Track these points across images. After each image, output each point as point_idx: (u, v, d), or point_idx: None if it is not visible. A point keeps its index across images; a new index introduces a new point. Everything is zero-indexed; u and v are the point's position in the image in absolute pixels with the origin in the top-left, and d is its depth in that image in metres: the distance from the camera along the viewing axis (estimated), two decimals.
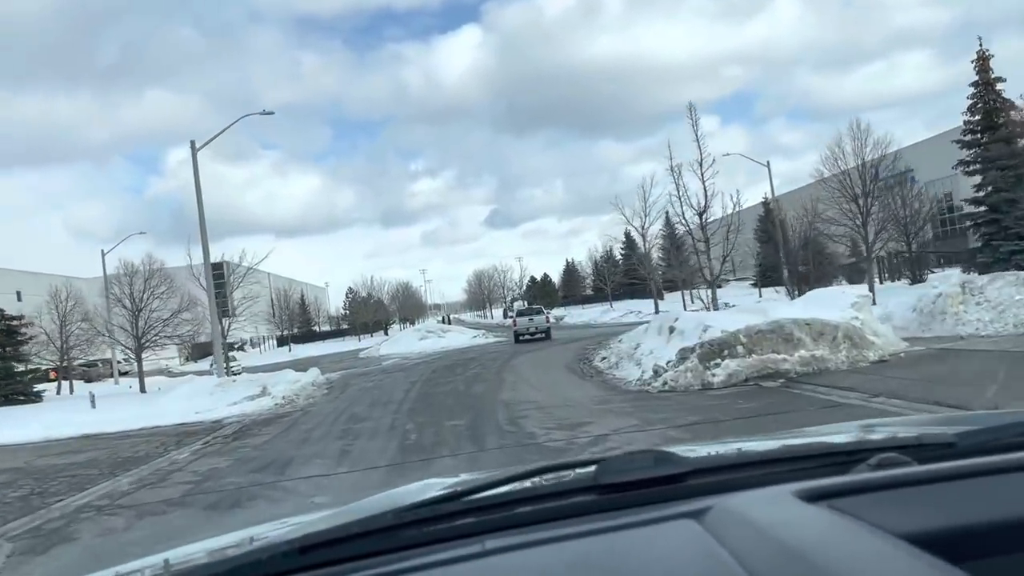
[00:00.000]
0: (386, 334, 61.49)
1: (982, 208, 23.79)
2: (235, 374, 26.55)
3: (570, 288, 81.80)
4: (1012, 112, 23.85)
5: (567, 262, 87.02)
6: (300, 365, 26.63)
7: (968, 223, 24.33)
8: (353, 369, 26.55)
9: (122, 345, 24.82)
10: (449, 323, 66.26)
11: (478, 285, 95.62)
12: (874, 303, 15.43)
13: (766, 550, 0.69)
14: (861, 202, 22.40)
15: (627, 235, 55.94)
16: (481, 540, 0.82)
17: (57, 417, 16.95)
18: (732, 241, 17.55)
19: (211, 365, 24.64)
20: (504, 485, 0.95)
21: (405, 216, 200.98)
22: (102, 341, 26.25)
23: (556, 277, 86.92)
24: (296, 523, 1.14)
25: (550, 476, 0.99)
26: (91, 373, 37.15)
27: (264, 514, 6.16)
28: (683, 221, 17.73)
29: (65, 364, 27.65)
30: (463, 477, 1.20)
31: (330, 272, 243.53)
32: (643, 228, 28.91)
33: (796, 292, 24.13)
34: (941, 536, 0.70)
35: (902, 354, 11.49)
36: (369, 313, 70.96)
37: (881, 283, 26.92)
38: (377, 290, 78.47)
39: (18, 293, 45.98)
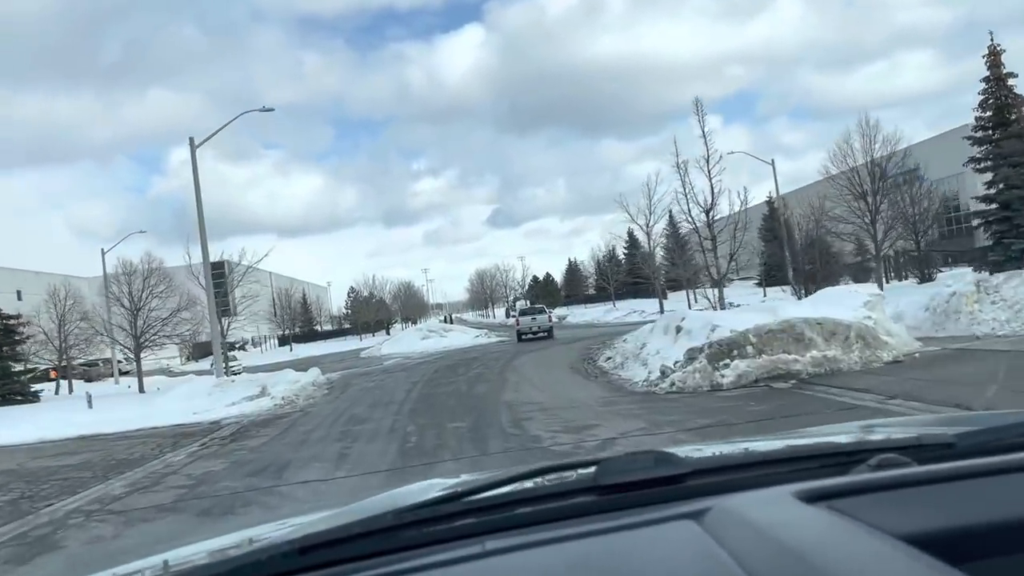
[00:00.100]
0: (388, 334, 61.25)
1: (993, 206, 23.42)
2: (235, 373, 26.32)
3: (573, 287, 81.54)
4: None
5: (569, 261, 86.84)
6: (301, 365, 26.42)
7: (979, 221, 23.95)
8: (354, 369, 26.29)
9: (121, 345, 24.59)
10: (451, 323, 66.01)
11: (480, 285, 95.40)
12: None
13: (765, 551, 0.68)
14: (870, 200, 22.04)
15: (630, 234, 55.71)
16: (481, 541, 0.82)
17: (53, 418, 16.72)
18: (739, 239, 17.26)
19: (211, 365, 24.39)
20: (504, 486, 0.95)
21: (407, 215, 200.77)
22: (101, 341, 25.99)
23: (559, 277, 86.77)
24: (296, 524, 1.12)
25: (550, 477, 0.99)
26: (91, 373, 36.95)
27: (258, 521, 5.91)
28: (690, 218, 17.42)
29: (64, 364, 27.41)
30: (463, 478, 1.18)
31: (332, 271, 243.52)
32: (648, 226, 28.65)
33: (802, 291, 23.84)
34: (941, 537, 0.70)
35: (917, 354, 11.19)
36: (371, 313, 70.71)
37: (887, 282, 26.61)
38: (379, 289, 78.29)
39: (19, 292, 45.84)
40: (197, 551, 1.11)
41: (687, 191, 17.27)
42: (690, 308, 23.41)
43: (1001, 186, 23.30)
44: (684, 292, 35.76)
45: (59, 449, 13.09)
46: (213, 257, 23.70)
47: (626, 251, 63.24)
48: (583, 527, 0.82)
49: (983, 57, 23.44)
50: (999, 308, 12.40)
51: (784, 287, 33.35)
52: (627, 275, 57.88)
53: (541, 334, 30.04)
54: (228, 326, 26.82)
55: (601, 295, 66.10)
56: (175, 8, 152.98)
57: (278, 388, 17.75)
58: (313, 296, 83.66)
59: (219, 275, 30.17)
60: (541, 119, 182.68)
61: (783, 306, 13.55)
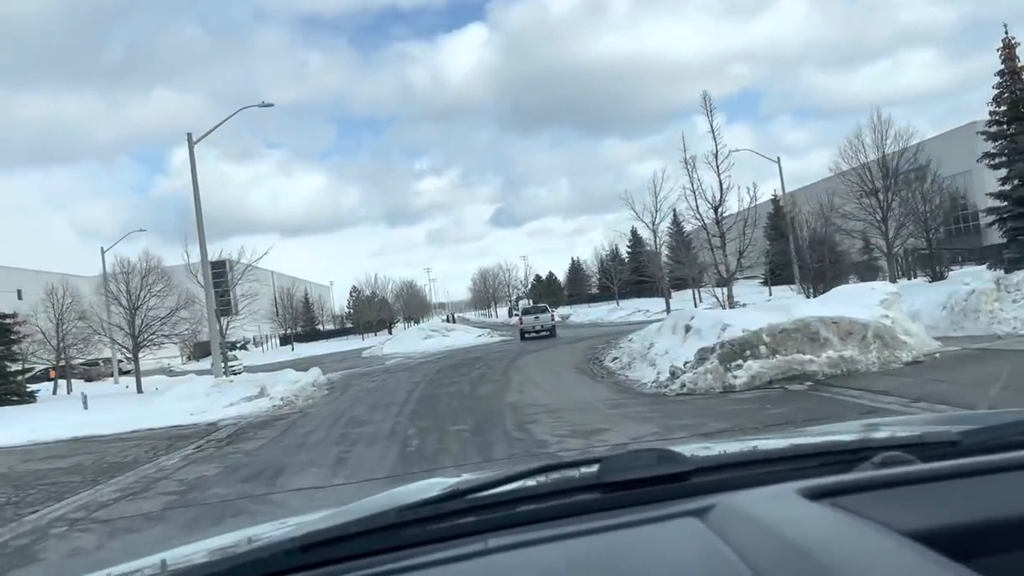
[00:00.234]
0: (390, 333, 60.89)
1: (1007, 202, 22.90)
2: (235, 373, 26.00)
3: (576, 287, 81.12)
4: None
5: (572, 260, 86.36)
6: (302, 364, 26.12)
7: (993, 217, 23.44)
8: (355, 369, 25.94)
9: (119, 344, 24.27)
10: (454, 322, 65.65)
11: (483, 284, 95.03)
12: None
13: (770, 547, 0.68)
14: (881, 196, 21.55)
15: (634, 232, 55.25)
16: (484, 539, 0.81)
17: (48, 419, 16.42)
18: (749, 236, 16.86)
19: (212, 364, 24.08)
20: (506, 484, 0.94)
21: (410, 215, 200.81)
22: (99, 340, 25.66)
23: (561, 276, 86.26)
24: (295, 523, 1.10)
25: (553, 475, 0.98)
26: (92, 372, 36.65)
27: None
28: (698, 215, 17.02)
29: (62, 363, 27.09)
30: (465, 477, 1.17)
31: (335, 271, 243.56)
32: (654, 224, 28.26)
33: (811, 290, 23.42)
34: (944, 534, 0.70)
35: (937, 355, 10.78)
36: (373, 312, 70.34)
37: (895, 281, 26.14)
38: (381, 289, 77.89)
39: (19, 291, 45.58)
40: (196, 550, 1.09)
41: (695, 187, 16.88)
42: (696, 307, 23.03)
43: (1016, 182, 22.80)
44: (689, 291, 35.36)
45: (51, 451, 12.78)
46: (213, 256, 23.40)
47: (630, 250, 62.78)
48: (586, 525, 0.81)
49: (997, 51, 22.95)
50: (1021, 306, 11.99)
51: (790, 286, 32.93)
52: (631, 274, 57.42)
53: (544, 333, 30.68)
54: (227, 325, 26.46)
55: (604, 294, 65.69)
56: (178, 8, 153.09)
57: (277, 388, 17.44)
58: (315, 295, 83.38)
59: (219, 274, 29.93)
60: (544, 118, 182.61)
61: (795, 305, 13.14)
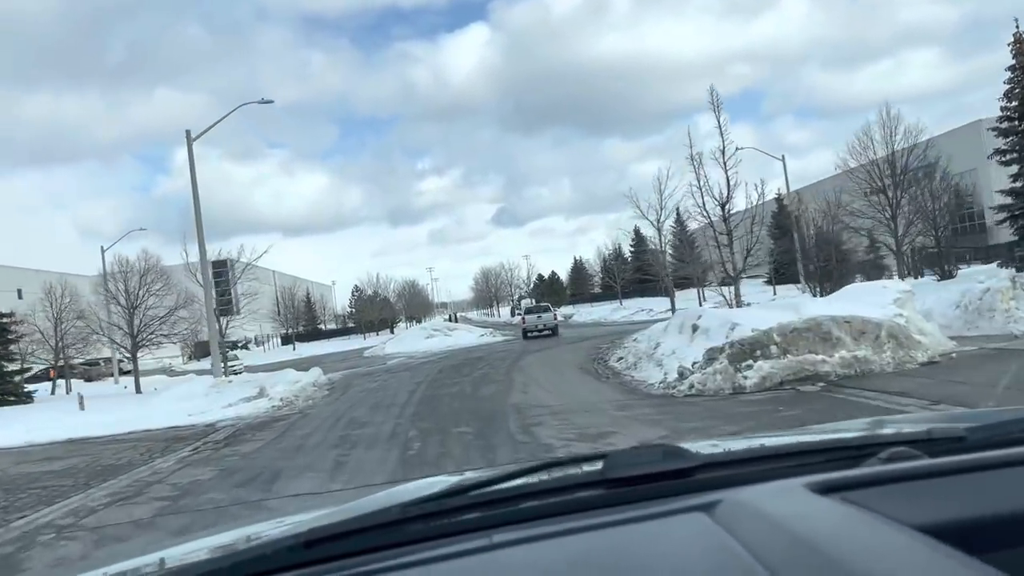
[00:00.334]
0: (392, 332, 60.60)
1: (1019, 199, 22.49)
2: (236, 373, 25.75)
3: (578, 286, 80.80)
4: None
5: (575, 260, 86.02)
6: (303, 364, 25.89)
7: (1004, 215, 23.04)
8: (356, 369, 25.66)
9: (117, 344, 24.02)
10: (456, 321, 65.37)
11: (485, 283, 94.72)
12: None
13: (779, 541, 0.68)
14: (890, 193, 21.17)
15: (637, 231, 54.85)
16: (488, 534, 0.81)
17: (44, 420, 16.19)
18: (756, 234, 16.54)
19: (211, 364, 23.82)
20: (510, 480, 0.93)
21: (412, 214, 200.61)
22: (98, 340, 25.39)
23: (564, 275, 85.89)
24: (293, 522, 1.09)
25: (557, 471, 0.97)
26: (92, 372, 36.43)
27: None
28: (704, 212, 16.71)
29: (61, 363, 26.85)
30: (469, 474, 1.15)
31: (337, 270, 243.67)
32: (659, 222, 27.96)
33: (817, 289, 23.11)
34: (952, 528, 0.70)
35: (953, 355, 10.47)
36: (375, 311, 70.04)
37: (902, 279, 25.75)
38: (383, 288, 77.58)
39: (19, 291, 45.38)
40: (196, 548, 1.08)
41: (702, 184, 16.55)
42: (701, 306, 22.69)
43: None
44: (693, 290, 35.07)
45: (46, 453, 12.55)
46: (213, 256, 23.15)
47: (633, 249, 62.43)
48: (590, 520, 0.80)
49: (1008, 45, 22.48)
50: None
51: (794, 285, 32.59)
52: (635, 272, 57.06)
53: (546, 332, 31.24)
54: (226, 325, 26.20)
55: (607, 293, 65.37)
56: (180, 8, 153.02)
57: (277, 389, 17.20)
58: (317, 295, 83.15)
59: (220, 273, 29.71)
60: (546, 118, 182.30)
61: (805, 303, 12.85)
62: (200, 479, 8.44)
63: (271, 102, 21.10)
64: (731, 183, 16.44)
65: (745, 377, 10.25)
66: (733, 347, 10.77)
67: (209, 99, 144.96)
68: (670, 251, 33.74)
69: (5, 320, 23.73)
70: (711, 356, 10.84)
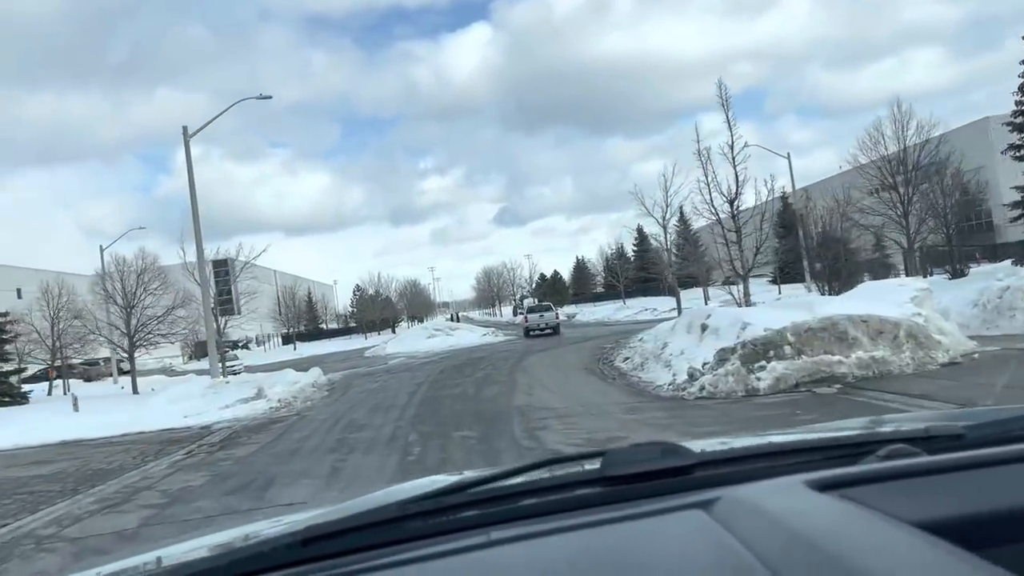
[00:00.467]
0: (394, 332, 60.25)
1: None
2: (235, 373, 25.41)
3: (580, 285, 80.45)
4: None
5: (577, 259, 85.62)
6: (303, 364, 25.55)
7: (1019, 212, 22.59)
8: (357, 369, 25.31)
9: (114, 344, 23.68)
10: (458, 321, 65.01)
11: (487, 283, 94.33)
12: None
13: (778, 538, 0.68)
14: (902, 190, 20.72)
15: (640, 230, 54.46)
16: (486, 532, 0.80)
17: (38, 421, 15.87)
18: (766, 231, 16.14)
19: (209, 364, 23.46)
20: (509, 478, 0.93)
21: (414, 214, 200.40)
22: (94, 339, 25.04)
23: (566, 275, 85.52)
24: (290, 521, 1.05)
25: (556, 468, 0.96)
26: (91, 372, 36.13)
27: None
28: (712, 209, 16.30)
29: (58, 363, 26.51)
30: (467, 473, 1.10)
31: (339, 270, 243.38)
32: (664, 219, 27.57)
33: (826, 287, 22.69)
34: (951, 525, 0.70)
35: (975, 355, 10.07)
36: (376, 311, 69.66)
37: (910, 278, 25.26)
38: (385, 287, 77.19)
39: (18, 290, 45.10)
40: (193, 547, 1.06)
41: (709, 179, 16.13)
42: (706, 305, 22.27)
43: None
44: (697, 289, 34.69)
45: (36, 456, 12.22)
46: (212, 255, 22.82)
47: (636, 248, 62.00)
48: (589, 518, 0.80)
49: (1022, 38, 22.10)
50: None
51: (800, 284, 32.17)
52: (637, 271, 56.66)
53: (548, 330, 31.83)
54: (225, 324, 25.84)
55: (610, 293, 64.99)
56: (183, 7, 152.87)
57: (275, 390, 16.86)
58: (319, 294, 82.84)
59: (221, 272, 29.32)
60: (548, 117, 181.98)
61: (819, 302, 12.46)
62: (191, 485, 8.10)
63: (269, 97, 20.82)
64: (740, 179, 16.03)
65: (758, 379, 9.86)
66: (745, 347, 10.38)
67: (212, 99, 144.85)
68: (674, 250, 33.31)
69: (0, 320, 23.38)
70: (722, 357, 10.46)
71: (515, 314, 60.58)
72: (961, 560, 0.61)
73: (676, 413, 9.06)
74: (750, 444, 1.14)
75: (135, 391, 21.95)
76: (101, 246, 29.60)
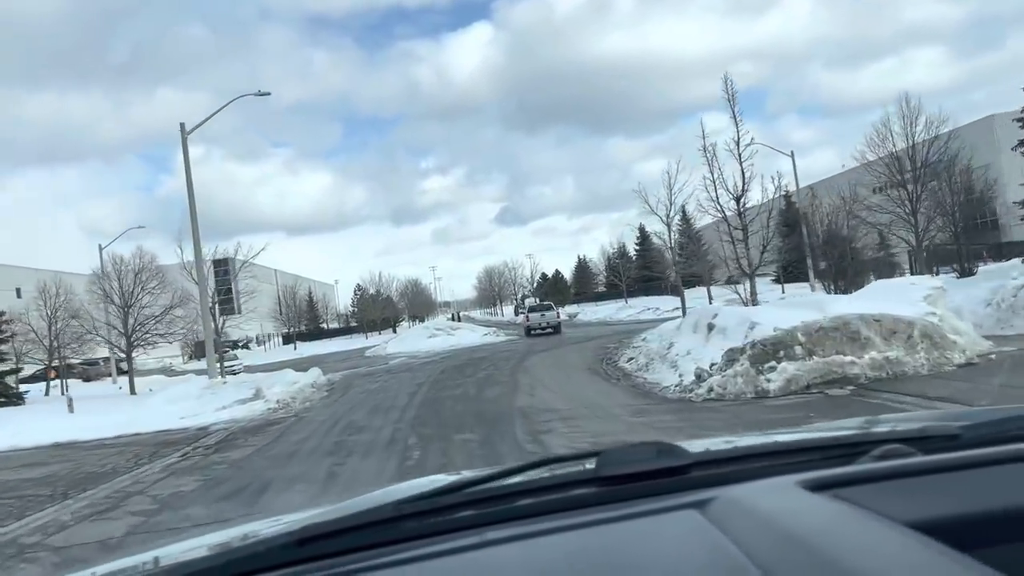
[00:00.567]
0: (395, 332, 59.98)
1: None
2: (234, 373, 25.16)
3: (582, 285, 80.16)
4: None
5: (579, 258, 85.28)
6: (303, 364, 25.31)
7: None
8: (357, 369, 25.04)
9: (111, 343, 23.43)
10: (459, 320, 64.74)
11: (488, 282, 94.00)
12: None
13: (771, 538, 0.68)
14: (911, 187, 20.40)
15: (641, 229, 54.16)
16: (481, 532, 0.80)
17: (33, 422, 15.59)
18: (772, 229, 15.85)
19: (207, 364, 23.19)
20: (504, 478, 0.93)
21: (415, 213, 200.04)
22: (91, 339, 24.78)
23: (567, 274, 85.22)
24: (289, 520, 1.04)
25: (551, 468, 0.97)
26: (90, 372, 35.88)
27: None
28: (718, 207, 16.02)
29: (56, 363, 26.26)
30: (464, 473, 1.10)
31: (340, 270, 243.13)
32: (668, 217, 27.28)
33: (832, 286, 22.39)
34: (945, 525, 0.70)
35: (992, 356, 9.78)
36: (377, 310, 69.38)
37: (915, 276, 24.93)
38: (386, 287, 76.89)
39: (18, 290, 44.87)
40: (190, 547, 1.04)
41: (715, 176, 15.83)
42: (711, 304, 21.97)
43: None
44: (700, 288, 34.40)
45: (28, 459, 11.98)
46: (211, 255, 22.57)
47: (638, 247, 61.67)
48: (584, 518, 0.81)
49: None
50: None
51: (804, 283, 31.87)
52: (640, 270, 56.34)
53: (549, 330, 32.41)
54: (223, 324, 25.58)
55: (611, 292, 64.67)
56: (184, 7, 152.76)
57: (274, 390, 16.61)
58: (320, 294, 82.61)
59: (221, 272, 29.16)
60: (549, 117, 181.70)
61: (829, 301, 12.16)
62: (183, 490, 7.84)
63: (267, 94, 20.54)
64: (746, 175, 15.73)
65: (768, 380, 9.58)
66: (754, 347, 10.10)
67: (212, 98, 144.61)
68: (677, 250, 33.04)
69: None
70: (731, 357, 10.17)
71: (516, 314, 60.28)
72: (952, 560, 0.60)
73: (685, 416, 8.77)
74: (745, 444, 1.13)
75: (132, 391, 21.69)
76: (100, 245, 29.41)
